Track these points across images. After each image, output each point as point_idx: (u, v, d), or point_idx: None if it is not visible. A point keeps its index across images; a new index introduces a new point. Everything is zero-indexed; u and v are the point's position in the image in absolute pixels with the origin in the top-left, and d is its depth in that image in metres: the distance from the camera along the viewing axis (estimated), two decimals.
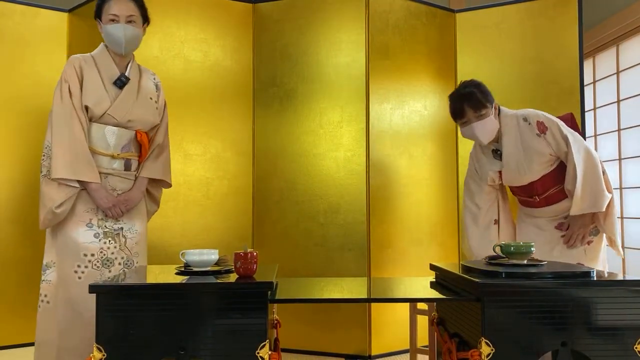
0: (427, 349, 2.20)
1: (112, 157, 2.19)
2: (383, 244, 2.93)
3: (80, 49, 3.18)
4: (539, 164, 2.32)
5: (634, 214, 3.85)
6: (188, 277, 1.68)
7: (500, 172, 2.42)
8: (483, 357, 1.51)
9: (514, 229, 2.53)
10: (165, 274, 1.82)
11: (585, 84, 3.47)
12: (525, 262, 1.76)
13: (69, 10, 3.25)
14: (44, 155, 2.15)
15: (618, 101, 4.02)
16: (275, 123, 3.09)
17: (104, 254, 2.12)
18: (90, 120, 2.17)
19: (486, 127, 2.33)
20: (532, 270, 1.66)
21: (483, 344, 1.52)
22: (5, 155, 3.10)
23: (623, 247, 3.92)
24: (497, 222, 2.50)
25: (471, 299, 1.60)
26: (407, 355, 2.77)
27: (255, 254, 1.64)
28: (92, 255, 2.09)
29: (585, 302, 1.54)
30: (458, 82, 3.22)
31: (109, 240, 2.14)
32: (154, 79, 2.39)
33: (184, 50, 3.00)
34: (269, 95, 3.11)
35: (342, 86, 2.98)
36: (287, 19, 3.08)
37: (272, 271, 1.83)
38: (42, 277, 2.14)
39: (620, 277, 1.63)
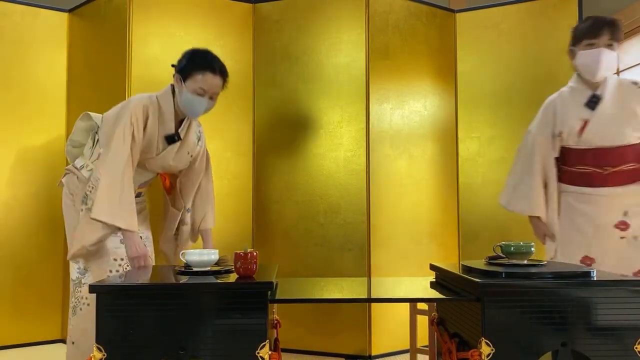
0: (427, 349, 2.20)
1: None
2: (383, 244, 2.93)
3: (80, 49, 3.19)
4: (632, 129, 2.18)
5: None
6: (188, 277, 1.68)
7: (584, 124, 2.21)
8: (483, 357, 1.51)
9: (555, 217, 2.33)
10: (165, 274, 1.82)
11: None
12: (525, 262, 1.76)
13: (69, 10, 3.25)
14: (91, 187, 2.10)
15: None
16: (275, 123, 3.09)
17: None
18: None
19: (609, 59, 2.18)
20: (532, 270, 1.66)
21: (483, 344, 1.52)
22: (5, 155, 3.10)
23: None
24: (546, 186, 2.33)
25: (471, 299, 1.60)
26: (407, 355, 2.77)
27: (255, 254, 1.64)
28: (122, 259, 2.17)
29: (586, 302, 1.54)
30: (458, 82, 3.24)
31: None
32: (199, 131, 2.43)
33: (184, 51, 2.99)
34: (269, 95, 3.11)
35: (342, 86, 2.98)
36: (287, 19, 3.08)
37: (272, 271, 1.83)
38: (83, 280, 2.19)
39: (620, 277, 1.63)
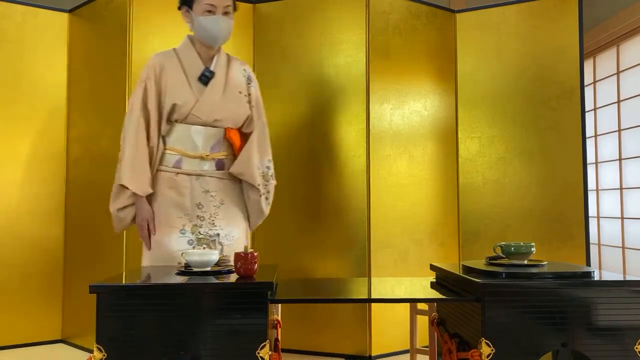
0: (427, 349, 2.20)
1: (202, 158, 2.10)
2: (383, 244, 2.93)
3: (80, 49, 3.19)
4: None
5: (634, 214, 3.84)
6: (188, 277, 1.68)
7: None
8: (483, 357, 1.51)
9: None
10: (165, 274, 1.82)
11: (585, 84, 3.47)
12: (525, 262, 1.76)
13: (69, 11, 3.25)
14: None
15: (618, 101, 4.01)
16: (275, 123, 3.08)
17: None
18: (176, 121, 2.08)
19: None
20: (533, 270, 1.66)
21: (483, 344, 1.52)
22: (5, 155, 3.10)
23: (623, 248, 3.92)
24: None
25: (471, 299, 1.60)
26: (407, 355, 2.77)
27: (255, 254, 1.64)
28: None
29: (586, 302, 1.54)
30: (458, 82, 3.24)
31: (204, 247, 2.04)
32: (245, 70, 2.24)
33: None
34: (270, 95, 3.09)
35: (342, 86, 2.98)
36: (287, 19, 3.08)
37: (272, 271, 1.83)
38: None
39: (620, 277, 1.63)
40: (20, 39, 3.15)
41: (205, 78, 2.09)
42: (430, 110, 3.15)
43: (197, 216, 2.07)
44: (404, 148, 3.05)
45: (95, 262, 2.98)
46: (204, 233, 2.07)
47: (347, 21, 2.99)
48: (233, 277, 1.65)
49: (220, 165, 2.14)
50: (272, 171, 2.26)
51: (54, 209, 3.18)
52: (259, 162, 2.20)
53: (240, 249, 2.16)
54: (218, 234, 2.08)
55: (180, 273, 1.74)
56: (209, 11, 2.04)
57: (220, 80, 2.13)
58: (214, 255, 1.75)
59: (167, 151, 2.11)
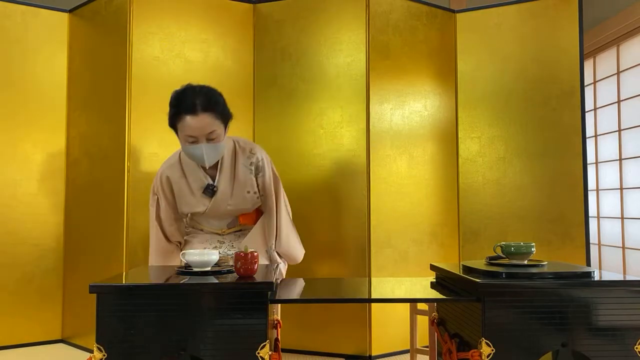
0: (427, 349, 2.20)
1: (219, 234, 2.30)
2: (383, 244, 2.93)
3: (80, 49, 3.19)
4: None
5: (634, 214, 3.85)
6: (188, 277, 1.68)
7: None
8: (483, 357, 1.51)
9: None
10: (165, 274, 1.82)
11: (585, 84, 3.47)
12: (525, 262, 1.76)
13: (69, 11, 3.25)
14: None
15: (618, 101, 4.02)
16: (275, 123, 3.09)
17: None
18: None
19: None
20: (533, 270, 1.66)
21: (483, 344, 1.52)
22: (4, 154, 3.10)
23: (624, 248, 3.92)
24: None
25: (471, 299, 1.60)
26: (407, 355, 2.77)
27: (255, 254, 1.64)
28: None
29: (586, 302, 1.54)
30: (458, 82, 3.24)
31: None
32: (251, 164, 2.21)
33: (185, 51, 3.00)
34: (269, 95, 3.10)
35: (343, 86, 2.98)
36: (287, 19, 3.08)
37: (272, 271, 1.83)
38: None
39: (620, 277, 1.63)
40: (20, 38, 3.15)
41: (210, 192, 2.17)
42: (430, 110, 3.15)
43: (218, 240, 2.26)
44: (404, 148, 3.05)
45: (95, 262, 2.99)
46: (223, 253, 2.22)
47: (347, 21, 2.99)
48: (233, 277, 1.65)
49: (238, 233, 2.35)
50: (276, 255, 2.31)
51: (54, 208, 3.18)
52: (263, 247, 2.30)
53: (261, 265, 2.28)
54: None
55: (180, 273, 1.74)
56: (191, 142, 2.00)
57: (226, 189, 2.18)
58: (214, 255, 1.75)
59: (190, 221, 2.36)
